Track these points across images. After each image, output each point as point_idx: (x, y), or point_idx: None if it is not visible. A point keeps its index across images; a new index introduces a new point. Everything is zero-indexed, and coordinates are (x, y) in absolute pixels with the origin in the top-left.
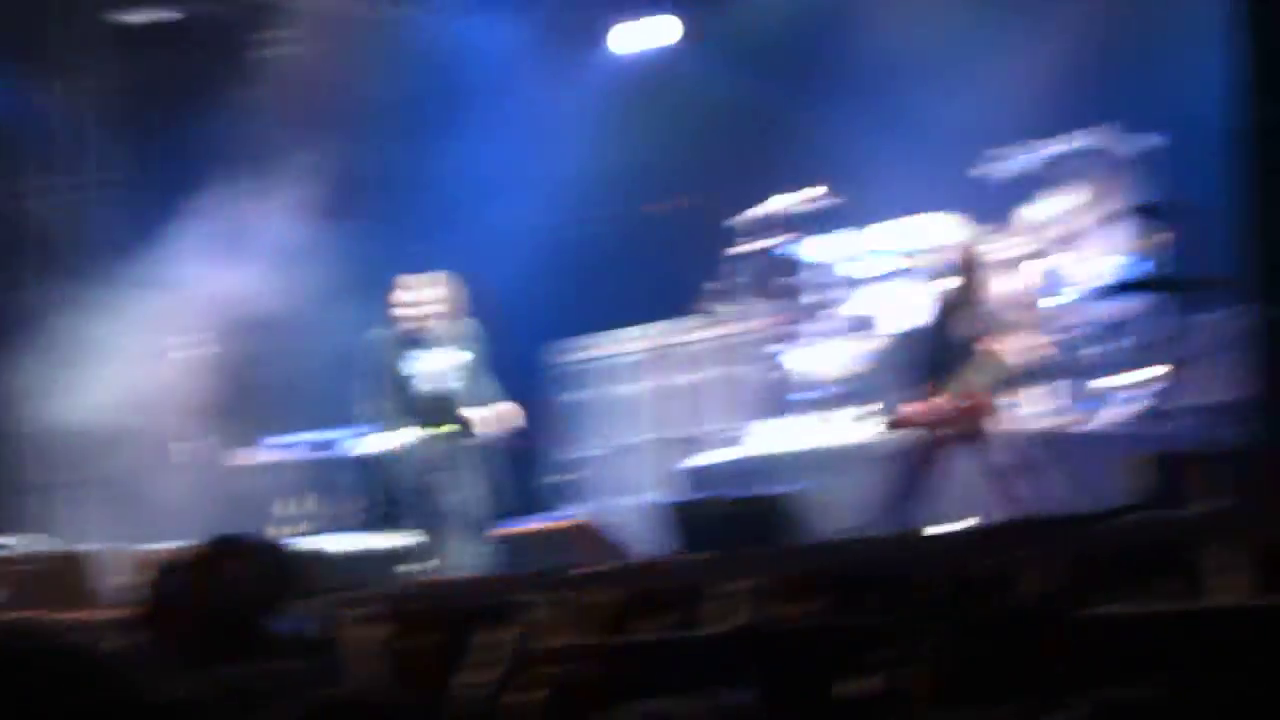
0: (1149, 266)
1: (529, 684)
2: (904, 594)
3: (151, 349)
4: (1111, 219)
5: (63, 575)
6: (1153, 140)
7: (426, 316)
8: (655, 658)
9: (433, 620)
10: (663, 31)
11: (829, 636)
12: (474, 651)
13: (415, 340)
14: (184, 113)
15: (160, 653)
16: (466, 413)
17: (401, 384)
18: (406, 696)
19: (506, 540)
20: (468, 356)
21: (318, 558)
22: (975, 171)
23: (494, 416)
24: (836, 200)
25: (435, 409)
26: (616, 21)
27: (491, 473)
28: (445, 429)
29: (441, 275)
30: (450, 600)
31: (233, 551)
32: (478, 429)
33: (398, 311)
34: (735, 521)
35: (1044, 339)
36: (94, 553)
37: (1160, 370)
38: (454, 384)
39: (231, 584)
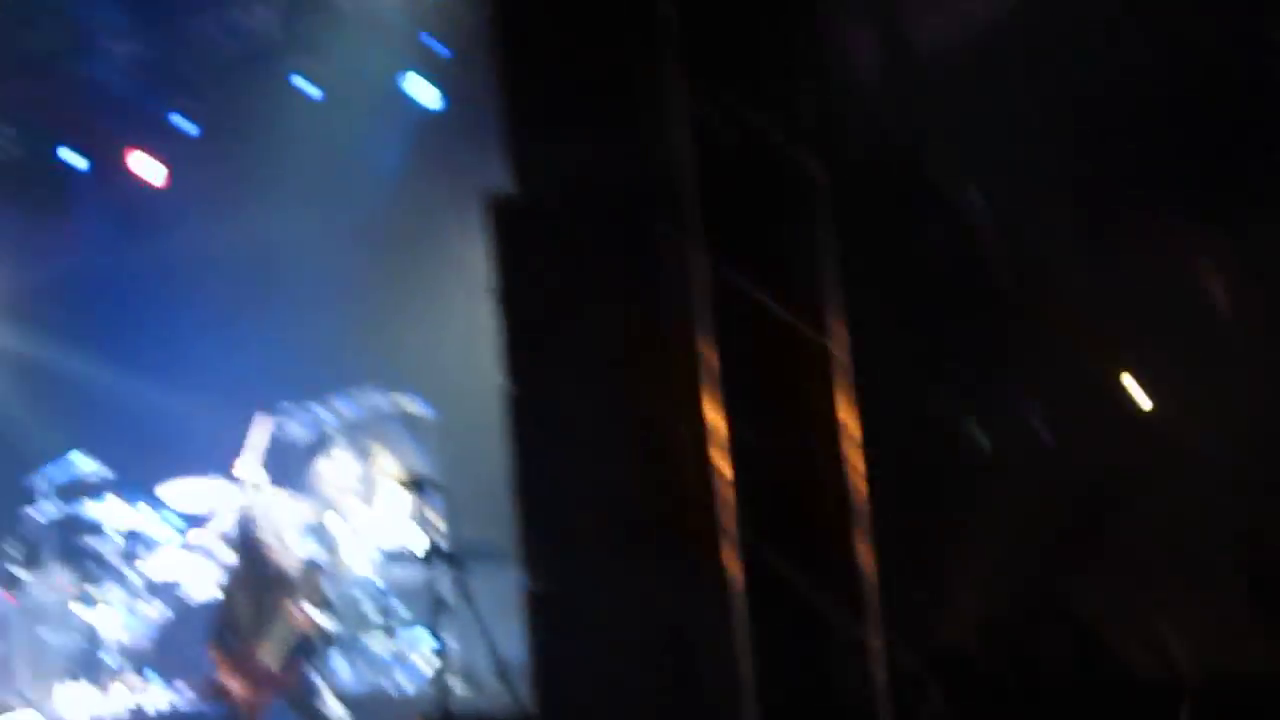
0: (425, 534)
1: None
2: None
3: None
4: (385, 481)
5: None
6: (426, 406)
7: None
8: None
9: None
10: None
11: None
12: None
13: None
14: None
15: None
16: None
17: None
18: None
19: None
20: None
21: None
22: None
23: None
24: (126, 460)
25: None
26: None
27: None
28: None
29: None
30: None
31: None
32: None
33: None
34: None
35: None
36: None
37: (441, 635)
38: None
39: None
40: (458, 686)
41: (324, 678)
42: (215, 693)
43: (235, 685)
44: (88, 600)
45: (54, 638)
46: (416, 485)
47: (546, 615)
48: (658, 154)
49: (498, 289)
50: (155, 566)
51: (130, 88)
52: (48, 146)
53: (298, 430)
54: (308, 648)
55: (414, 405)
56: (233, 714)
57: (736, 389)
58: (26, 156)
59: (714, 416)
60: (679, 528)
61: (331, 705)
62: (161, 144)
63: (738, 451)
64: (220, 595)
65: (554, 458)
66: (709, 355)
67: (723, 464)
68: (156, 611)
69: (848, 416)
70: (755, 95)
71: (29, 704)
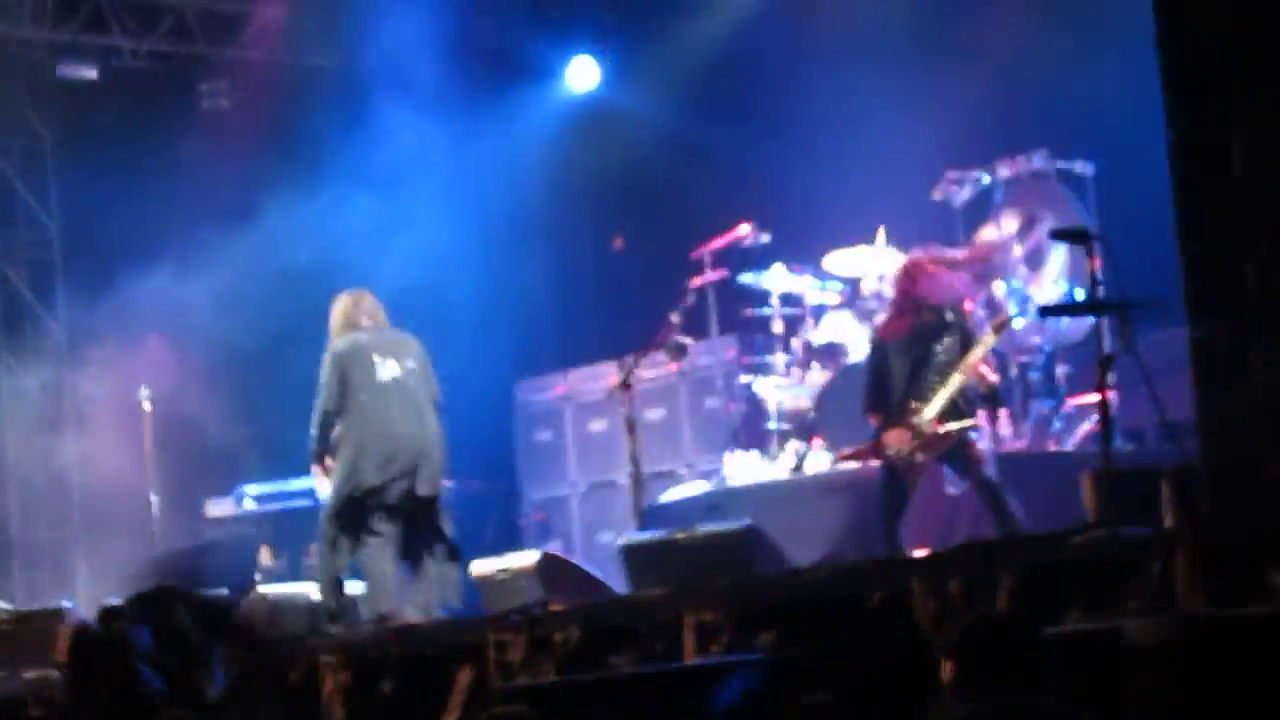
0: (1087, 289)
1: None
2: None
3: (115, 403)
4: (1050, 242)
5: (43, 632)
6: (1087, 162)
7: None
8: (615, 694)
9: (394, 664)
10: (594, 72)
11: (789, 668)
12: (434, 694)
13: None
14: (127, 163)
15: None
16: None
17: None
18: None
19: (478, 579)
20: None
21: (287, 606)
22: (931, 196)
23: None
24: (789, 230)
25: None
26: (550, 63)
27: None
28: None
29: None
30: (412, 643)
31: (119, 617)
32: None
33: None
34: (699, 556)
35: (994, 363)
36: (70, 610)
37: (1102, 391)
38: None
39: (122, 649)
40: (1121, 443)
41: (984, 438)
42: (875, 455)
43: (894, 445)
44: (753, 368)
45: (720, 406)
46: (1080, 239)
47: (1212, 366)
48: None
49: (1160, 34)
50: (817, 333)
51: None
52: None
53: (962, 194)
54: (968, 407)
55: (1075, 163)
56: (892, 475)
57: None
58: None
59: None
60: None
61: (989, 465)
62: None
63: None
64: (877, 357)
65: (1220, 204)
66: None
67: None
68: (819, 377)
69: None
70: None
71: (695, 472)
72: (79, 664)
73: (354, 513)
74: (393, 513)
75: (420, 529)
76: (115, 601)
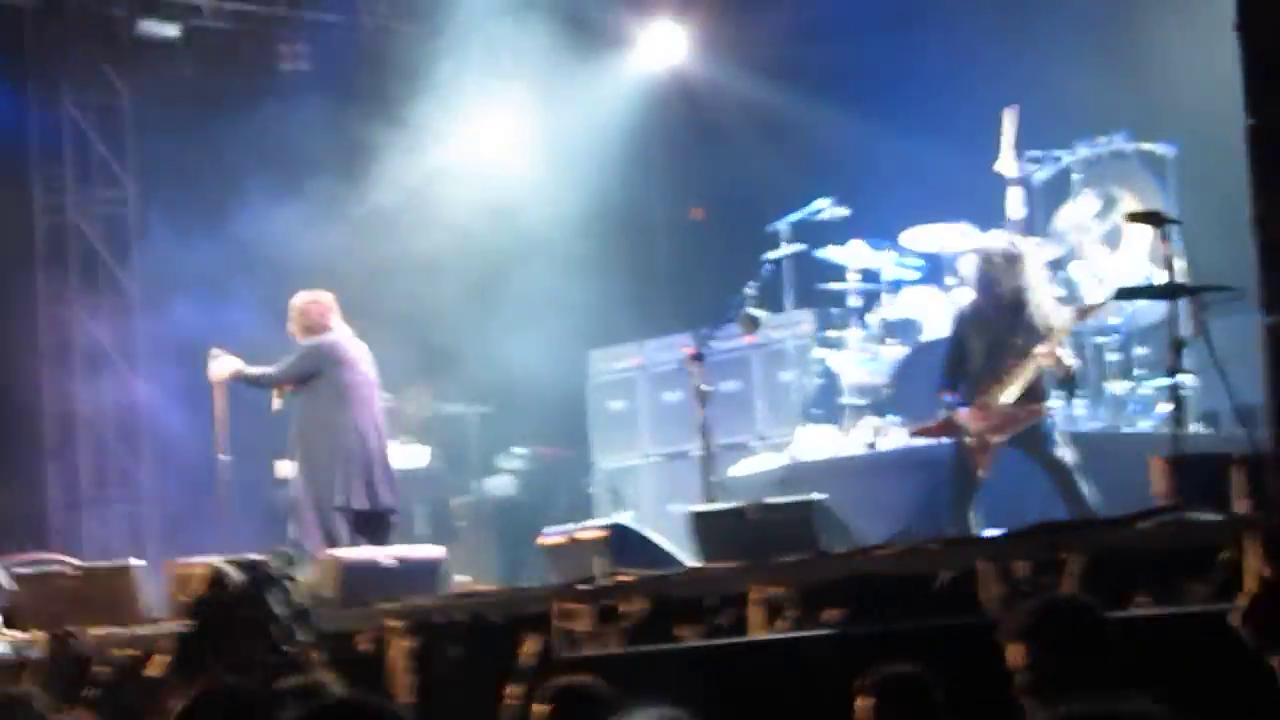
0: (1166, 272)
1: (556, 693)
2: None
3: (186, 361)
4: (1129, 224)
5: (109, 589)
6: (1169, 145)
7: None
8: (680, 666)
9: (460, 632)
10: (676, 42)
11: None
12: (500, 662)
13: None
14: (204, 123)
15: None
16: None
17: None
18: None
19: (546, 549)
20: None
21: (359, 569)
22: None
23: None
24: (868, 205)
25: None
26: (632, 32)
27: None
28: None
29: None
30: (479, 611)
31: (255, 569)
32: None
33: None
34: (767, 529)
35: (1071, 344)
36: (139, 567)
37: (1180, 375)
38: None
39: (258, 603)
40: (1194, 427)
41: (1059, 419)
42: (948, 432)
43: (968, 424)
44: (827, 342)
45: (794, 379)
46: (1157, 222)
47: None
48: None
49: (1240, 21)
50: (894, 308)
51: None
52: None
53: (1042, 174)
54: (1044, 389)
55: (1156, 145)
56: (964, 453)
57: None
58: None
59: None
60: None
61: (1063, 447)
62: None
63: None
64: (955, 336)
65: None
66: None
67: None
68: (894, 352)
69: None
70: None
71: (767, 445)
72: (211, 611)
73: None
74: None
75: None
76: (252, 555)
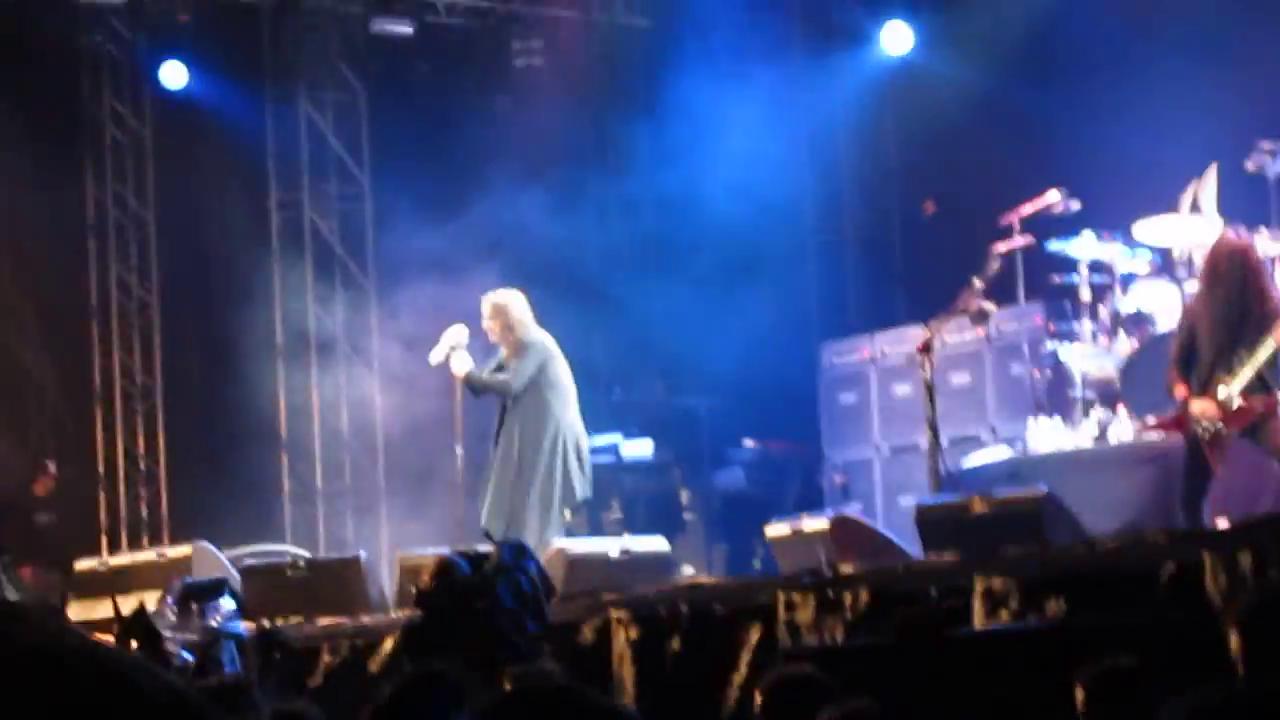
0: None
1: (777, 683)
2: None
3: (421, 355)
4: None
5: (337, 581)
6: None
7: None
8: (902, 658)
9: (684, 622)
10: (908, 36)
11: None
12: (723, 653)
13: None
14: (438, 119)
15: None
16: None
17: None
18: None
19: (772, 541)
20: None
21: (586, 561)
22: (1245, 167)
23: None
24: (1099, 197)
25: None
26: (865, 27)
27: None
28: None
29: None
30: (703, 602)
31: (487, 562)
32: None
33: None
34: (994, 523)
35: None
36: (366, 559)
37: None
38: None
39: (488, 593)
40: None
41: None
42: (1180, 427)
43: (1201, 419)
44: (1058, 335)
45: (1024, 372)
46: None
47: None
48: None
49: None
50: (1125, 302)
51: None
52: None
53: (1277, 166)
54: (1274, 381)
55: None
56: (1196, 451)
57: None
58: None
59: None
60: None
61: None
62: None
63: None
64: (1184, 328)
65: None
66: None
67: None
68: (1126, 346)
69: None
70: None
71: (998, 438)
72: (439, 602)
73: None
74: None
75: None
76: (482, 547)
